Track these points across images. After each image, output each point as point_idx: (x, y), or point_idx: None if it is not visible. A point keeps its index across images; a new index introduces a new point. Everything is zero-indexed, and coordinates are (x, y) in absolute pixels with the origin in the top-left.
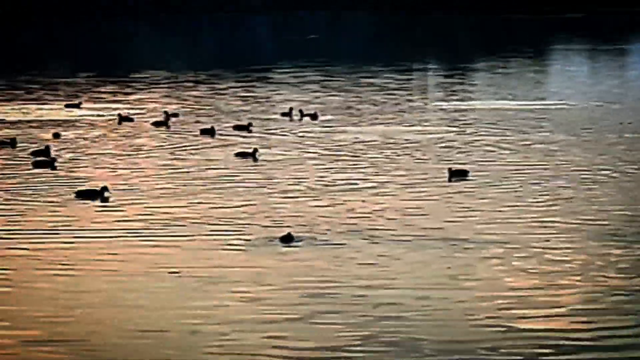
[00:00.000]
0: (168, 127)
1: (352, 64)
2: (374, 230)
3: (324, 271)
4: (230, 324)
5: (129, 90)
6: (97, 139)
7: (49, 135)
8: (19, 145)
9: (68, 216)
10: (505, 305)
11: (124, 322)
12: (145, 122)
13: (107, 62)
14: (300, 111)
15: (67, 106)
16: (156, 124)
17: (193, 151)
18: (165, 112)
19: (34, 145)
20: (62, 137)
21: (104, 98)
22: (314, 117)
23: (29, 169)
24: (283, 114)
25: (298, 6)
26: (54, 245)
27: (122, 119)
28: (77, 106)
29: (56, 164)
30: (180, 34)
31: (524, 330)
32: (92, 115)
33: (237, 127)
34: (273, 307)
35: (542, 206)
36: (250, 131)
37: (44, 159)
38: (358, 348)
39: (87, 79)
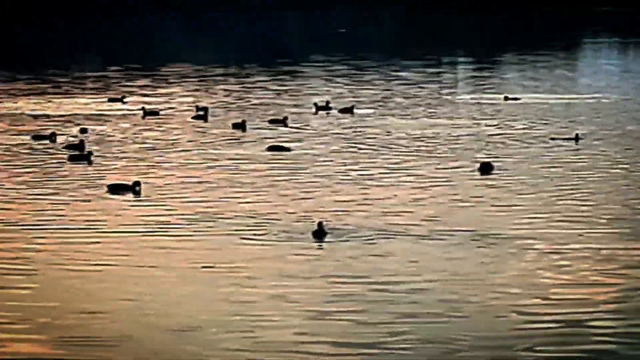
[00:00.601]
0: (207, 120)
1: (380, 58)
2: (405, 225)
3: (355, 267)
4: (262, 321)
5: (159, 83)
6: (127, 133)
7: (81, 129)
8: (58, 140)
9: (100, 211)
10: (537, 303)
11: (154, 319)
12: (173, 115)
13: (134, 56)
14: (315, 104)
15: (110, 100)
16: (196, 118)
17: (225, 145)
18: (197, 107)
19: (70, 139)
20: (96, 131)
21: (135, 92)
22: (349, 110)
23: (65, 163)
24: (319, 108)
25: (300, 6)
26: (85, 241)
27: (147, 113)
28: (120, 100)
29: (92, 158)
30: (195, 29)
31: (559, 328)
32: (123, 110)
33: (273, 121)
34: (303, 304)
35: (574, 201)
36: (286, 125)
37: (80, 153)
38: (390, 346)
39: (117, 73)
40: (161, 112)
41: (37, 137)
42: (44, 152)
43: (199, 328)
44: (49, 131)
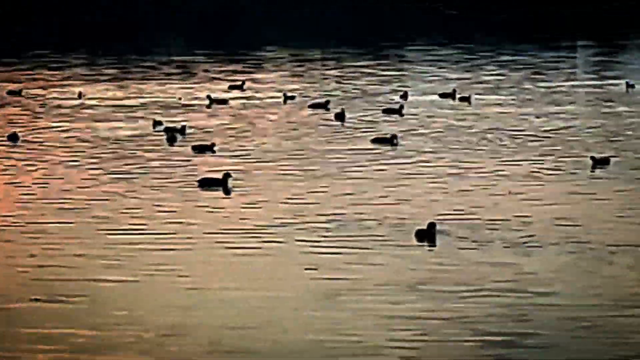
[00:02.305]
0: (327, 109)
1: (493, 41)
2: (518, 228)
3: (459, 274)
4: (357, 337)
5: (249, 69)
6: (224, 122)
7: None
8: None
9: (189, 207)
10: None
11: (238, 336)
12: (271, 104)
13: (221, 39)
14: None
15: (230, 87)
16: (314, 106)
17: (323, 137)
18: (284, 94)
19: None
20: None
21: (222, 78)
22: (467, 100)
23: (188, 155)
24: (442, 95)
25: None
26: (169, 241)
27: (212, 101)
28: (241, 87)
29: (215, 149)
30: (287, 11)
31: None
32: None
33: (387, 110)
34: (405, 320)
35: None
36: (402, 114)
37: (204, 144)
38: None
39: (206, 57)
40: (259, 100)
41: (168, 130)
42: (174, 144)
43: (293, 349)
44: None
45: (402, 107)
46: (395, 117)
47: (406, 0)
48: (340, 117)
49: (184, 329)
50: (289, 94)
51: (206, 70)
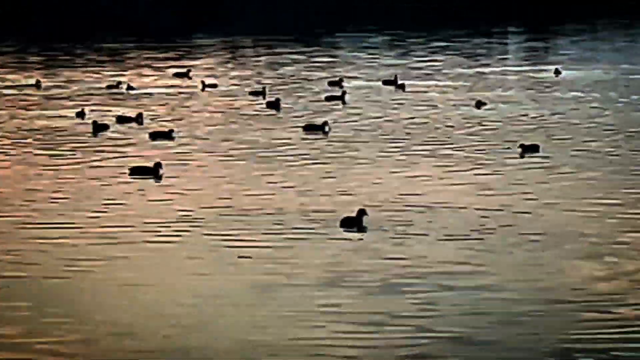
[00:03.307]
0: (264, 97)
1: (425, 28)
2: (441, 216)
3: (388, 264)
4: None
5: (180, 56)
6: (168, 110)
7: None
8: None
9: (119, 196)
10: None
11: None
12: (201, 93)
13: (150, 26)
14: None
15: (175, 75)
16: (253, 94)
17: (256, 126)
18: (203, 82)
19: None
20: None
21: (153, 66)
22: (401, 87)
23: (147, 141)
24: (385, 82)
25: None
26: (95, 232)
27: (129, 87)
28: (187, 75)
29: (173, 135)
30: None
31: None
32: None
33: (329, 98)
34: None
35: (627, 191)
36: (344, 102)
37: (162, 131)
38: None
39: (136, 45)
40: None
41: (120, 119)
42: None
43: (220, 346)
44: (141, 112)
45: (344, 93)
46: (338, 103)
47: None
48: (273, 105)
49: (111, 327)
50: (208, 82)
51: (132, 58)
